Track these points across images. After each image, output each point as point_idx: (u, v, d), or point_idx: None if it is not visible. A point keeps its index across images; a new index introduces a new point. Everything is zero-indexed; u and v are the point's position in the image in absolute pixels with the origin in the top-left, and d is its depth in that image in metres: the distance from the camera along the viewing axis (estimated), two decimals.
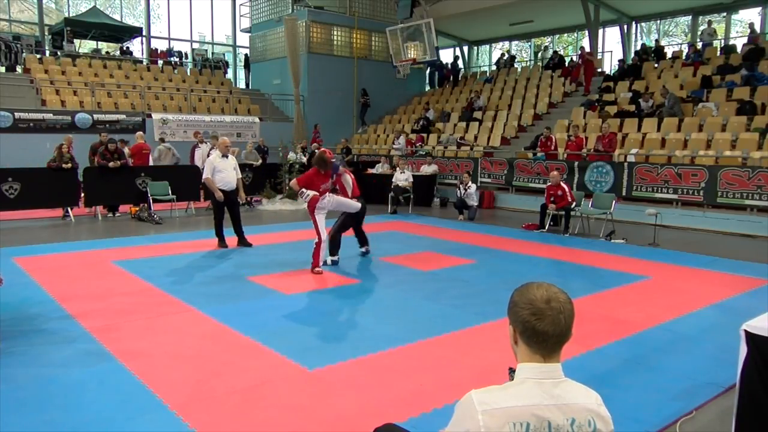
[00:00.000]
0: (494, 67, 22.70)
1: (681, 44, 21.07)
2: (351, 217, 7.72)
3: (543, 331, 1.47)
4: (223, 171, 8.29)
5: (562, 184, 10.33)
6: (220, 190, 8.24)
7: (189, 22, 24.87)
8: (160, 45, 24.03)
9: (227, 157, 8.45)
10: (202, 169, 12.58)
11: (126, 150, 12.58)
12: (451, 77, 22.78)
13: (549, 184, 10.55)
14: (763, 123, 11.97)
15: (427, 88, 24.55)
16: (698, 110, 13.53)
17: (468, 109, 18.80)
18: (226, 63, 24.20)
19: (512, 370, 1.58)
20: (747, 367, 2.84)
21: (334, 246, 7.47)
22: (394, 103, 22.35)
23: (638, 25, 21.20)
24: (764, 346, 2.77)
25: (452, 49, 25.80)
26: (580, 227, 10.48)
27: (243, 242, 8.58)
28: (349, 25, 21.48)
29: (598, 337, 4.69)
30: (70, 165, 11.05)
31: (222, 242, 8.50)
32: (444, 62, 23.55)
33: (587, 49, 18.94)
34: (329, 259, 7.29)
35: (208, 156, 13.11)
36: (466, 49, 25.73)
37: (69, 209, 11.23)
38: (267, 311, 5.37)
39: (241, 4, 24.64)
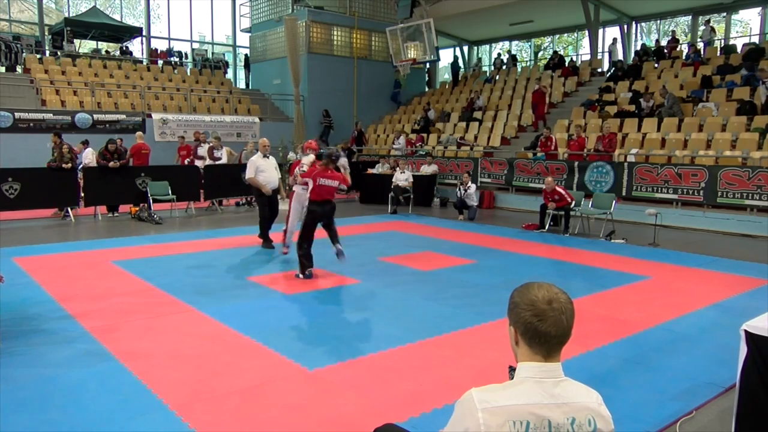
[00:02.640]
0: (494, 68, 22.71)
1: (681, 44, 21.07)
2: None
3: (545, 332, 1.47)
4: (265, 171, 8.44)
5: (558, 188, 10.33)
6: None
7: (189, 22, 24.89)
8: (160, 45, 24.05)
9: (268, 157, 8.60)
10: (202, 169, 12.75)
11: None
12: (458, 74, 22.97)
13: (544, 189, 10.55)
14: (763, 123, 11.97)
15: (431, 88, 24.56)
16: (698, 110, 13.53)
17: (468, 109, 18.80)
18: (226, 63, 24.20)
19: (512, 369, 1.58)
20: (747, 367, 2.84)
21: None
22: (394, 103, 22.35)
23: (638, 25, 21.21)
24: (764, 346, 2.78)
25: (452, 49, 25.80)
26: (580, 227, 10.48)
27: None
28: (349, 25, 21.48)
29: (598, 337, 4.69)
30: (70, 165, 11.04)
31: (267, 243, 8.40)
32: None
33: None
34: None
35: (209, 152, 13.30)
36: (466, 49, 25.74)
37: (69, 209, 11.23)
38: (267, 311, 5.37)
39: (241, 4, 24.65)
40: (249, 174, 8.39)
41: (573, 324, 1.51)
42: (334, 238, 6.97)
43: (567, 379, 1.52)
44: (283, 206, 8.67)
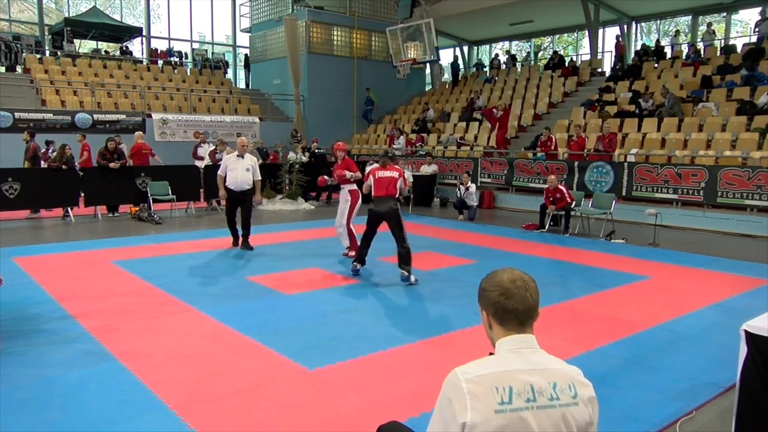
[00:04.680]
0: (491, 68, 22.71)
1: (681, 44, 21.07)
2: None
3: (513, 308, 1.56)
4: (233, 170, 8.26)
5: (560, 186, 10.33)
6: (230, 189, 8.29)
7: (189, 22, 24.90)
8: (160, 45, 24.06)
9: (243, 157, 8.34)
10: (202, 169, 12.75)
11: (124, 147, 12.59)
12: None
13: (547, 187, 10.55)
14: (763, 123, 11.98)
15: (429, 87, 24.55)
16: (698, 110, 13.53)
17: (468, 109, 18.80)
18: (226, 63, 24.20)
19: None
20: (747, 367, 2.84)
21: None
22: (394, 103, 22.36)
23: (638, 25, 21.21)
24: (764, 346, 2.78)
25: (452, 49, 25.80)
26: (580, 227, 10.48)
27: (245, 245, 8.36)
28: (349, 25, 21.48)
29: (598, 337, 4.69)
30: (66, 166, 11.01)
31: (235, 240, 8.52)
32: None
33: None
34: None
35: (210, 155, 13.29)
36: (466, 49, 25.74)
37: (69, 209, 11.23)
38: (267, 311, 5.37)
39: (241, 4, 24.65)
40: (220, 171, 8.43)
41: (538, 300, 1.60)
42: (399, 257, 6.44)
43: (542, 350, 1.60)
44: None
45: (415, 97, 22.59)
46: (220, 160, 13.29)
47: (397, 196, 6.67)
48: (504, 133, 15.94)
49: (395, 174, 6.64)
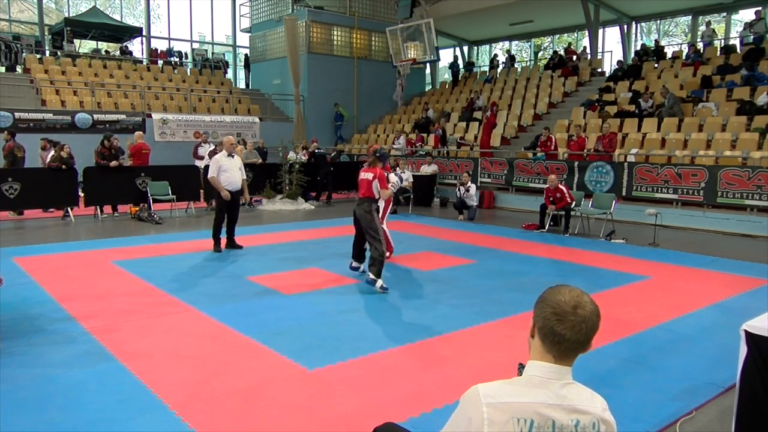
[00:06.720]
0: (490, 67, 22.70)
1: (681, 44, 21.08)
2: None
3: (560, 334, 1.47)
4: (228, 171, 8.07)
5: (561, 186, 10.33)
6: (228, 190, 8.08)
7: (189, 22, 24.91)
8: (160, 45, 24.07)
9: (233, 156, 8.22)
10: (202, 169, 12.73)
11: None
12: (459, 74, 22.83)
13: (547, 186, 10.55)
14: (763, 123, 11.98)
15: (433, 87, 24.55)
16: (698, 110, 13.53)
17: (468, 109, 18.80)
18: (226, 63, 24.21)
19: (521, 366, 1.58)
20: (747, 367, 2.84)
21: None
22: (394, 103, 22.36)
23: (638, 25, 21.21)
24: (764, 346, 2.78)
25: (452, 49, 25.80)
26: (580, 227, 10.48)
27: (232, 244, 8.36)
28: (349, 25, 21.49)
29: (598, 337, 4.62)
30: (65, 166, 11.00)
31: (217, 246, 8.18)
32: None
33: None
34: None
35: (211, 155, 13.22)
36: (466, 49, 25.74)
37: (69, 209, 11.23)
38: (267, 311, 5.37)
39: (241, 4, 24.66)
40: (211, 173, 8.06)
41: (593, 336, 1.50)
42: (370, 260, 6.21)
43: (574, 382, 1.52)
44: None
45: (415, 97, 22.59)
46: None
47: (376, 198, 6.43)
48: (488, 139, 16.00)
49: (370, 176, 6.44)
